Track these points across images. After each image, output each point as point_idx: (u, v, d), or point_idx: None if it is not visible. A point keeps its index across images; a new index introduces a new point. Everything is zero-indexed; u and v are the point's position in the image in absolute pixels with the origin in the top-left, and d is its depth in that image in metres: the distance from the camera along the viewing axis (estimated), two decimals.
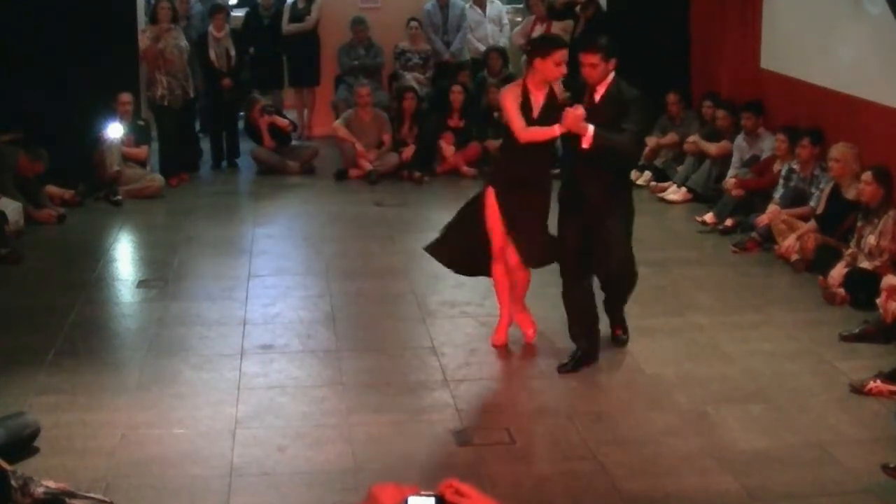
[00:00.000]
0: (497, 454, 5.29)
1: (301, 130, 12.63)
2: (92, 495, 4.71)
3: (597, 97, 6.13)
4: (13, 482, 4.59)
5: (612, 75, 6.11)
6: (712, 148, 10.05)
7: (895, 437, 5.42)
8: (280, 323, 7.00)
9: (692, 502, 4.86)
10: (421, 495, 2.07)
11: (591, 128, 5.91)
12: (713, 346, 6.65)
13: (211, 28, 11.35)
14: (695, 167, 10.25)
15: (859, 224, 7.58)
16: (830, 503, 4.87)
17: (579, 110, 5.92)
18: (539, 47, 6.29)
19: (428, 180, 10.96)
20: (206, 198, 10.50)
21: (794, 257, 8.09)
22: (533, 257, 6.40)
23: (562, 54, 6.15)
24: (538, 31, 11.40)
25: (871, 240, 7.39)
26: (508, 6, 13.13)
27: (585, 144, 5.93)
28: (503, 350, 6.59)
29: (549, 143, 6.32)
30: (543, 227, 6.41)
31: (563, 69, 6.24)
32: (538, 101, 6.20)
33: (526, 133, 6.11)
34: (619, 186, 6.31)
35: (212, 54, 11.26)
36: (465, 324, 6.98)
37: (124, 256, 8.88)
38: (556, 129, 6.04)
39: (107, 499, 4.72)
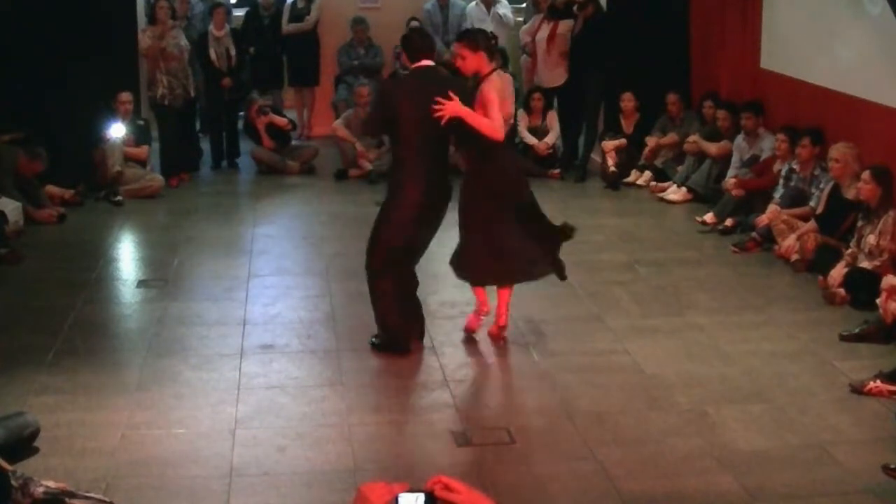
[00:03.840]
0: (497, 454, 5.28)
1: (301, 130, 12.64)
2: (92, 495, 4.70)
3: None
4: (13, 482, 4.58)
5: (412, 67, 6.38)
6: (712, 148, 10.05)
7: (895, 437, 5.42)
8: (280, 323, 7.00)
9: (692, 502, 4.86)
10: (411, 492, 2.08)
11: None
12: (713, 346, 6.65)
13: (211, 27, 11.35)
14: (695, 167, 10.25)
15: (859, 224, 7.58)
16: (830, 503, 4.86)
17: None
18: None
19: None
20: (206, 198, 10.50)
21: (794, 257, 8.09)
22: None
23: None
24: (544, 29, 11.40)
25: (871, 239, 7.39)
26: (510, 6, 13.12)
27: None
28: (495, 339, 6.67)
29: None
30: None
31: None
32: None
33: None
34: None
35: (212, 54, 11.26)
36: (464, 324, 6.98)
37: (124, 256, 8.88)
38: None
39: (107, 499, 4.71)
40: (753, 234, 8.66)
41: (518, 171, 6.87)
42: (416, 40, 6.48)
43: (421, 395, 5.97)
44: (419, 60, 6.34)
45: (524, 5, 13.57)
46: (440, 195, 6.36)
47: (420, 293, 7.50)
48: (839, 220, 7.98)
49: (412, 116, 6.20)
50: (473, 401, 5.91)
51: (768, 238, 8.51)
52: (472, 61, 6.41)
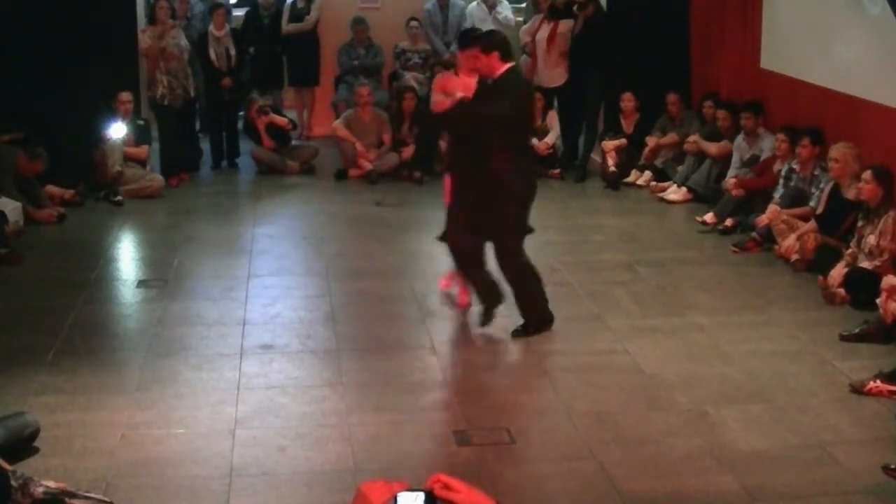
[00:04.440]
0: (497, 454, 5.29)
1: (301, 130, 12.64)
2: (92, 495, 4.70)
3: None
4: (13, 482, 4.58)
5: (505, 67, 6.42)
6: (712, 148, 10.05)
7: (895, 437, 5.42)
8: (280, 323, 7.00)
9: (692, 502, 4.86)
10: (410, 491, 2.07)
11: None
12: (713, 346, 6.65)
13: (211, 27, 11.35)
14: (695, 167, 10.25)
15: (859, 224, 7.58)
16: (830, 503, 4.87)
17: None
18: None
19: (428, 180, 10.95)
20: (206, 198, 10.50)
21: (794, 257, 8.09)
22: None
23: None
24: (544, 29, 11.39)
25: (871, 239, 7.39)
26: (510, 6, 13.11)
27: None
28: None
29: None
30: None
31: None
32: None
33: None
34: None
35: (212, 54, 11.26)
36: (465, 324, 6.98)
37: (124, 256, 8.88)
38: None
39: (107, 499, 4.72)
40: (753, 234, 8.66)
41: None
42: (503, 39, 6.63)
43: (421, 395, 5.96)
44: (509, 61, 6.49)
45: (524, 5, 13.56)
46: (530, 186, 6.64)
47: (421, 293, 7.52)
48: (839, 220, 7.98)
49: (517, 116, 6.41)
50: (473, 401, 5.90)
51: (768, 238, 8.51)
52: (483, 63, 6.59)
